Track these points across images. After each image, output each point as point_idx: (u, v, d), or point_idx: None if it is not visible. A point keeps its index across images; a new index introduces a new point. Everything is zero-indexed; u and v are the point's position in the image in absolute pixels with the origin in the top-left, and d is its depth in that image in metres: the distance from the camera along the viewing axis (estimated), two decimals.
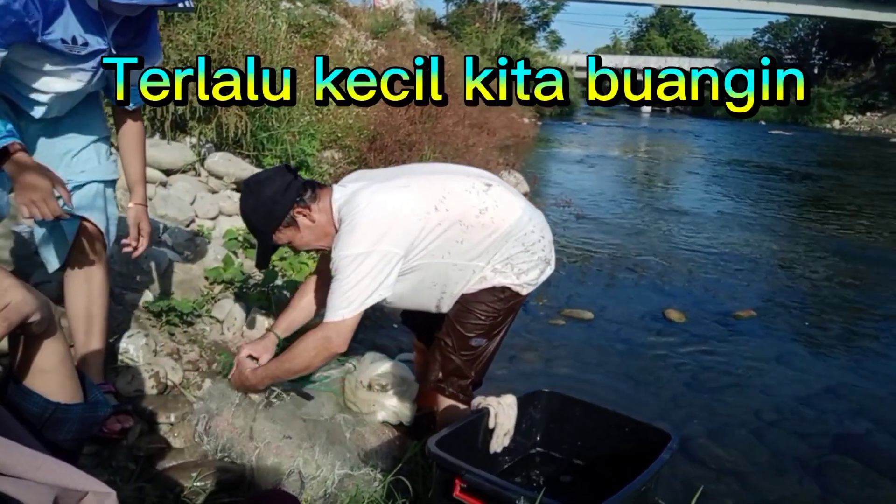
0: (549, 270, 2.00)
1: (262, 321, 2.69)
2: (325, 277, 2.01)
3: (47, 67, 1.55)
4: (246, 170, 4.02)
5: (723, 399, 2.99)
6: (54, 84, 1.60)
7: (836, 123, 35.41)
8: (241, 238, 3.28)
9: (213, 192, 3.78)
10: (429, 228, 1.76)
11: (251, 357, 1.99)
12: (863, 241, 6.82)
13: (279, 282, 2.97)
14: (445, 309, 1.94)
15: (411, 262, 1.78)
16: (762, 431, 2.72)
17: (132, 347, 2.16)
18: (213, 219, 3.52)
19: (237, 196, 3.91)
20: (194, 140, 4.06)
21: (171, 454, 1.82)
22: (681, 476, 2.29)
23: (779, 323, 4.08)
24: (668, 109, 49.08)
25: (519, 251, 1.86)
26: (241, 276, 2.91)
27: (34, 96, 1.62)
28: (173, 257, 2.98)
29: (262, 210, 1.78)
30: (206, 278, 2.92)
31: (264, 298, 2.84)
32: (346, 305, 1.70)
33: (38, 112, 1.66)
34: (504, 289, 1.87)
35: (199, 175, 3.89)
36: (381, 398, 2.22)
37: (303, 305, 2.10)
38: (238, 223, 3.52)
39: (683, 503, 1.87)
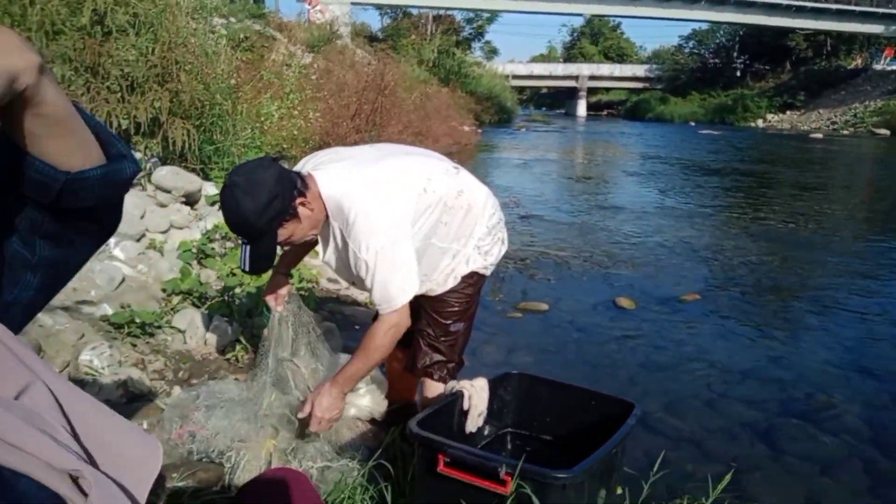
0: (504, 249, 2.07)
1: (226, 328, 2.69)
2: None
3: None
4: (194, 183, 3.98)
5: (675, 375, 3.15)
6: None
7: (760, 122, 37.32)
8: (194, 250, 3.25)
9: (163, 205, 3.73)
10: (421, 210, 1.80)
11: (275, 300, 1.96)
12: (789, 227, 7.23)
13: (238, 290, 2.96)
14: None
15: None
16: (714, 401, 2.88)
17: (96, 359, 2.14)
18: (164, 232, 3.48)
19: (187, 209, 3.89)
20: (139, 155, 4.00)
21: None
22: (642, 447, 2.40)
23: (720, 304, 4.30)
24: (604, 113, 50.55)
25: (485, 233, 1.94)
26: (200, 286, 2.89)
27: None
28: (127, 272, 2.94)
29: (266, 209, 1.59)
30: (163, 290, 2.90)
31: (225, 307, 2.83)
32: (399, 294, 1.73)
33: None
34: (472, 274, 1.95)
35: (146, 189, 3.83)
36: (353, 399, 2.25)
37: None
38: (190, 235, 3.49)
39: (646, 469, 1.96)
